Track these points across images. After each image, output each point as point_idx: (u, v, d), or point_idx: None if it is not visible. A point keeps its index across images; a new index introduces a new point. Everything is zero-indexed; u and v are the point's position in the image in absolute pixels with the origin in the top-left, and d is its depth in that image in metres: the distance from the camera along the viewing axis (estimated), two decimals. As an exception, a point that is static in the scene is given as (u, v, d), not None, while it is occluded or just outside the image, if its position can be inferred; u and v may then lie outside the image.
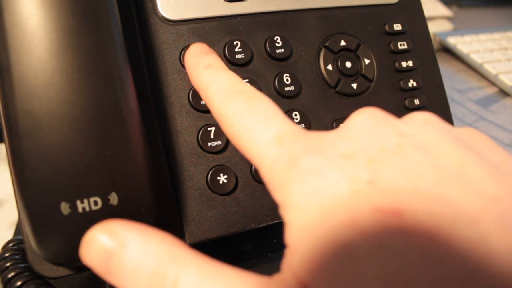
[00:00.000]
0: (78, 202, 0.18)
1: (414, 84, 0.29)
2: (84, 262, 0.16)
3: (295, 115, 0.26)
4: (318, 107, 0.26)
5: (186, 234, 0.23)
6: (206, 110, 0.24)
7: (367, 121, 0.16)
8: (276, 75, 0.26)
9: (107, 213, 0.18)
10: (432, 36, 0.41)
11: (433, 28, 0.63)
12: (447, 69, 0.56)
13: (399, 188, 0.13)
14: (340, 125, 0.16)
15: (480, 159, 0.14)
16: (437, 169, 0.14)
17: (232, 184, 0.24)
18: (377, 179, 0.14)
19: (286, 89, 0.26)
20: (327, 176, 0.14)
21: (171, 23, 0.25)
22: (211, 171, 0.24)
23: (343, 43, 0.28)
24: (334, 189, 0.14)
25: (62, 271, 0.21)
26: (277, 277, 0.15)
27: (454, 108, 0.47)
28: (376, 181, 0.14)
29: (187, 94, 0.24)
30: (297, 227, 0.14)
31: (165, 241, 0.15)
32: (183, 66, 0.24)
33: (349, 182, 0.14)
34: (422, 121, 0.16)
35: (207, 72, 0.21)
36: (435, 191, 0.13)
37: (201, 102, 0.24)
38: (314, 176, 0.15)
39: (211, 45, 0.25)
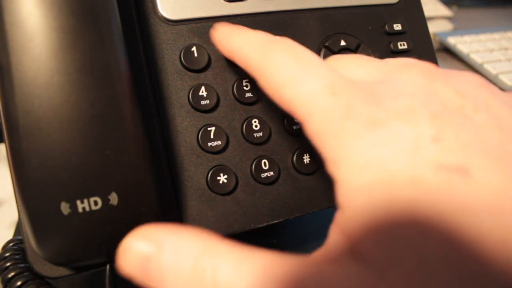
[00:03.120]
0: (78, 202, 0.18)
1: (414, 84, 0.29)
2: (123, 272, 0.15)
3: (295, 115, 0.26)
4: (318, 107, 0.26)
5: (186, 234, 0.23)
6: (206, 110, 0.24)
7: (421, 80, 0.15)
8: (276, 75, 0.26)
9: (107, 213, 0.18)
10: (432, 36, 0.41)
11: (433, 28, 0.63)
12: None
13: (465, 146, 0.13)
14: (392, 77, 0.16)
15: None
16: (501, 130, 0.13)
17: (232, 184, 0.24)
18: (442, 136, 0.13)
19: (286, 89, 0.26)
20: (389, 128, 0.13)
21: (171, 23, 0.25)
22: (211, 171, 0.24)
23: (343, 43, 0.28)
24: (397, 144, 0.13)
25: (62, 271, 0.21)
26: (321, 250, 0.14)
27: (454, 108, 0.47)
28: (442, 138, 0.13)
29: (187, 94, 0.24)
30: (354, 186, 0.13)
31: (197, 236, 0.15)
32: (183, 66, 0.24)
33: (414, 136, 0.13)
34: (476, 83, 0.16)
35: (238, 35, 0.19)
36: (500, 150, 0.13)
37: (201, 102, 0.24)
38: (375, 128, 0.13)
39: (211, 45, 0.25)
